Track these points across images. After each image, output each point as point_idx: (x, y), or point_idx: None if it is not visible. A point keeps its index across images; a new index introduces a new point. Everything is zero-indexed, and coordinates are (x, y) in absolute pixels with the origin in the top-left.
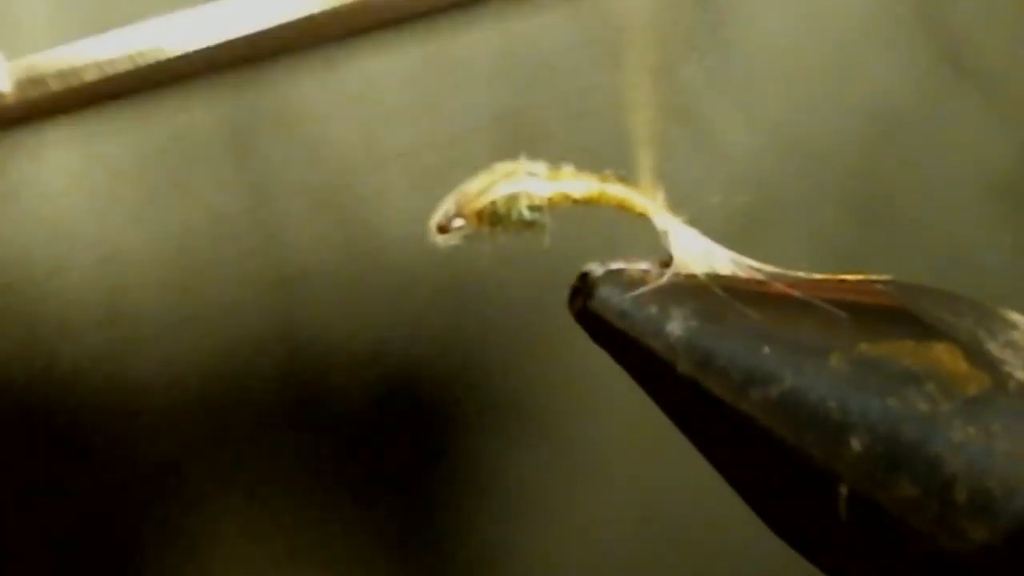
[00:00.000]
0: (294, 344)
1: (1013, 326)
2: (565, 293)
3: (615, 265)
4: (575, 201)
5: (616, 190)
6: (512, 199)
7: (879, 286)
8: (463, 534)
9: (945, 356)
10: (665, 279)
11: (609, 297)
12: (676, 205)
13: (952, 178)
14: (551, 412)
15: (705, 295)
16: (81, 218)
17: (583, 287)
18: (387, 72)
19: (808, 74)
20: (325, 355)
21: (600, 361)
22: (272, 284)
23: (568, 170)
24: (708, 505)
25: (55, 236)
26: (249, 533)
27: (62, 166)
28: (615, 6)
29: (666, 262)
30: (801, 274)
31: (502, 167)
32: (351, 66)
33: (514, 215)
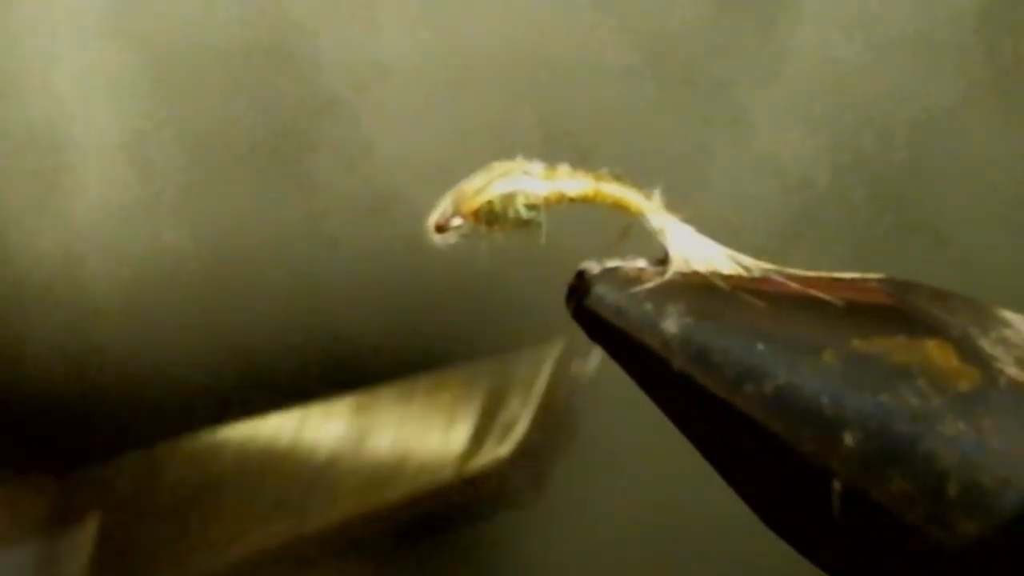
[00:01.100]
0: (330, 344)
1: (1006, 323)
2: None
3: (611, 263)
4: (571, 200)
5: (612, 188)
6: (509, 198)
7: (873, 283)
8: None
9: (936, 352)
10: (661, 277)
11: (605, 294)
12: (723, 211)
13: (1000, 197)
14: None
15: (700, 292)
16: (124, 213)
17: (580, 284)
18: (433, 75)
19: (860, 87)
20: (372, 360)
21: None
22: (311, 285)
23: (564, 168)
24: (710, 504)
25: (96, 232)
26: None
27: (107, 158)
28: (663, 11)
29: (662, 259)
30: (796, 271)
31: (499, 166)
32: (398, 64)
33: (511, 214)
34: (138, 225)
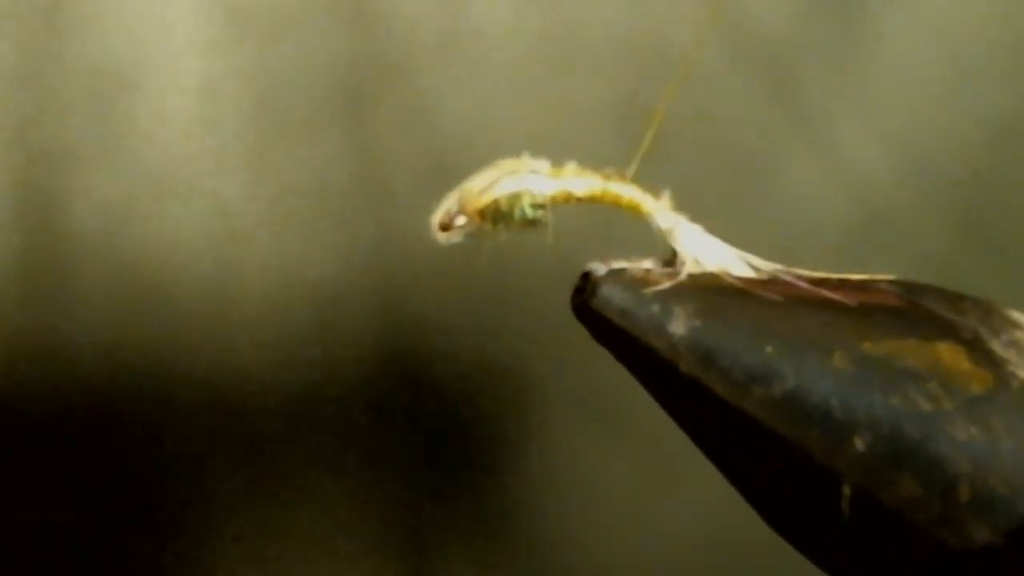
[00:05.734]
0: (394, 316)
1: (1017, 325)
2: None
3: (617, 264)
4: (579, 199)
5: (620, 188)
6: (515, 197)
7: (883, 285)
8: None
9: (948, 355)
10: (669, 278)
11: (611, 296)
12: (790, 212)
13: None
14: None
15: (708, 293)
16: (187, 161)
17: (585, 286)
18: (508, 45)
19: (936, 98)
20: (425, 329)
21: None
22: (375, 254)
23: (571, 167)
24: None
25: (158, 179)
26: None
27: (176, 105)
28: (756, 10)
29: (668, 260)
30: (807, 272)
31: (505, 163)
32: (473, 35)
33: (517, 213)
34: (201, 175)
